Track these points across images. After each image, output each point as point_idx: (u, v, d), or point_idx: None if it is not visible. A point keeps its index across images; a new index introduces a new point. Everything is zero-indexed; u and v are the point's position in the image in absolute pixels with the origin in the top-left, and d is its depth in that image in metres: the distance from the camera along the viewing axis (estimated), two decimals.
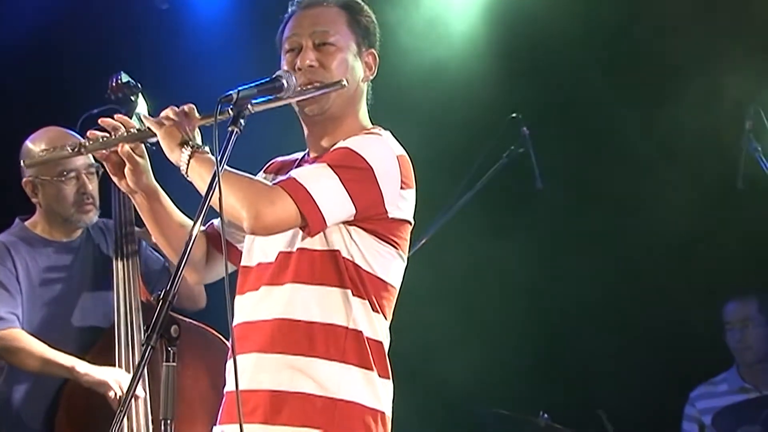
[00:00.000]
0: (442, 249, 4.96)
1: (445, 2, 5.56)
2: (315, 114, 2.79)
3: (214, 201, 2.48)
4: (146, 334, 2.36)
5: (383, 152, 2.73)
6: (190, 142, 2.65)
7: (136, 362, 3.80)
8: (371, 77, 2.89)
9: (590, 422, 4.93)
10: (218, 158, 2.50)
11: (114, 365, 3.83)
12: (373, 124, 2.89)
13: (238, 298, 2.80)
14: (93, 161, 3.91)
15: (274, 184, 2.66)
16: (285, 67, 2.80)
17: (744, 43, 5.13)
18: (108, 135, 2.78)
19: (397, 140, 2.82)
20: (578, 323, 5.44)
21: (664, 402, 5.30)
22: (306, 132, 2.87)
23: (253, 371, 2.69)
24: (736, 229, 5.17)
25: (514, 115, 4.91)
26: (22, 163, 3.73)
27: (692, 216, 5.19)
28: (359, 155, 2.68)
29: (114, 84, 4.08)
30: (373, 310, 2.73)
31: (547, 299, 5.53)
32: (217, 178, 2.47)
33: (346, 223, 2.69)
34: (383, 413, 2.74)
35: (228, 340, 2.76)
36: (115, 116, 2.82)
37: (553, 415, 4.75)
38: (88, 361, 3.82)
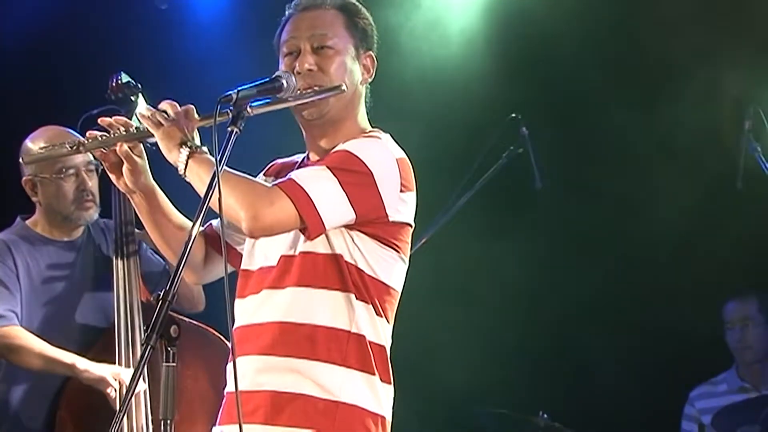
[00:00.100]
0: (441, 249, 4.96)
1: (445, 3, 5.56)
2: (314, 118, 2.78)
3: (213, 202, 2.47)
4: (146, 334, 2.35)
5: (383, 156, 2.72)
6: (189, 143, 2.64)
7: (137, 362, 3.80)
8: (369, 80, 2.88)
9: (590, 422, 4.94)
10: (218, 158, 2.50)
11: (114, 365, 3.83)
12: (373, 125, 2.88)
13: (238, 302, 2.79)
14: (92, 158, 3.90)
15: (274, 185, 2.66)
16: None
17: (743, 42, 5.13)
18: (107, 134, 2.78)
19: (397, 142, 2.82)
20: (578, 323, 5.44)
21: (664, 402, 5.30)
22: (305, 135, 2.87)
23: (254, 373, 2.68)
24: (736, 228, 5.17)
25: (513, 115, 4.92)
26: (21, 161, 3.74)
27: (692, 216, 5.19)
28: (359, 158, 2.67)
29: (114, 84, 4.08)
30: (376, 313, 2.72)
31: (546, 299, 5.53)
32: (216, 179, 2.46)
33: (348, 227, 2.68)
34: (383, 417, 2.74)
35: (228, 341, 2.75)
36: (114, 118, 2.81)
37: (552, 415, 4.76)
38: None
